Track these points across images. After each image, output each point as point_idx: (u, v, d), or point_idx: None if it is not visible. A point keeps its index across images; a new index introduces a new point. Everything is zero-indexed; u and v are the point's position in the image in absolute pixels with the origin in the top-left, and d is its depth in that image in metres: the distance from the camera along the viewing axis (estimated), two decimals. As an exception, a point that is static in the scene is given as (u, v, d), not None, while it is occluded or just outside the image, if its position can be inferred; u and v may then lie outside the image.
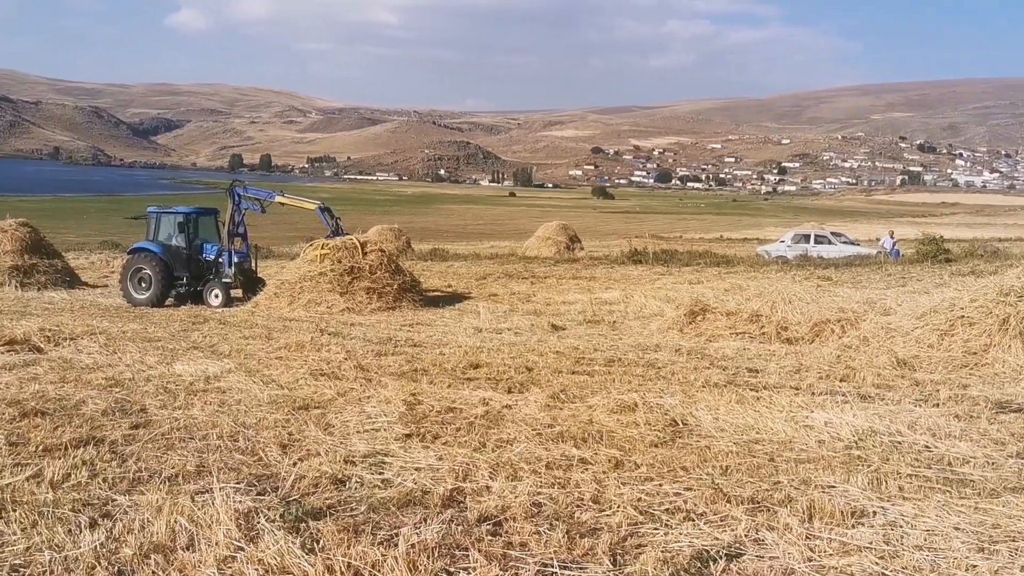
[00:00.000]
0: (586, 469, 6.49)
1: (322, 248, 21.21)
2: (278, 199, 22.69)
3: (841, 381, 10.39)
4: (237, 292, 22.06)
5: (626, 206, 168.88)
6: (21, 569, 4.73)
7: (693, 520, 5.44)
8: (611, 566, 4.76)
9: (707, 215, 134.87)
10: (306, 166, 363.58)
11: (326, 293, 20.01)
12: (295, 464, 6.54)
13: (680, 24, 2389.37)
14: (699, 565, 4.74)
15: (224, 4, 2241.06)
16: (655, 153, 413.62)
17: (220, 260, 22.14)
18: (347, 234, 21.90)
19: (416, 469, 6.41)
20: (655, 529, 5.32)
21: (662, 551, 4.91)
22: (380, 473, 6.35)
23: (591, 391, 9.36)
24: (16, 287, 24.10)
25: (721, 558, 4.81)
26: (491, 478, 6.20)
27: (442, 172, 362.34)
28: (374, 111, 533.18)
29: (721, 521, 5.40)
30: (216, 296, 21.58)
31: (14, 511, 5.46)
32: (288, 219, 42.89)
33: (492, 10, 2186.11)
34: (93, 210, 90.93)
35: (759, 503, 5.74)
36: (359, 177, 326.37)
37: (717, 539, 5.10)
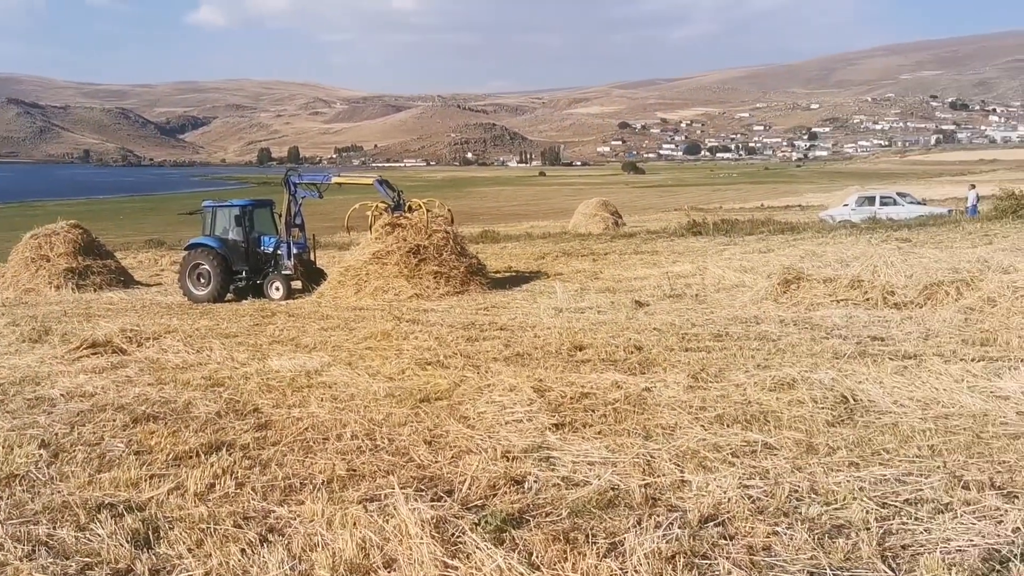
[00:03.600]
0: (774, 454, 5.87)
1: (375, 210, 20.80)
2: (334, 179, 22.22)
3: (982, 346, 9.64)
4: (297, 284, 21.59)
5: (658, 180, 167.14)
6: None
7: (949, 512, 4.78)
8: (889, 572, 4.12)
9: (741, 184, 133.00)
10: (334, 156, 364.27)
11: (393, 279, 19.44)
12: (453, 463, 5.97)
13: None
14: (996, 567, 4.08)
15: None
16: (683, 125, 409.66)
17: (279, 252, 21.67)
18: (407, 204, 21.18)
19: (590, 464, 5.81)
20: (910, 524, 4.68)
21: (941, 552, 4.25)
22: (553, 469, 5.77)
23: (726, 368, 8.71)
24: (73, 289, 23.89)
25: (1016, 558, 4.15)
26: (680, 470, 5.59)
27: (469, 155, 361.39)
28: (398, 98, 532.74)
29: (983, 512, 4.73)
30: (277, 289, 21.13)
31: (171, 529, 4.95)
32: (324, 210, 42.45)
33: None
34: (128, 210, 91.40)
35: (1003, 488, 5.06)
36: (387, 164, 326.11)
37: (999, 535, 4.43)
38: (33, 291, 23.44)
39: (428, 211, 20.96)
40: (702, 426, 6.62)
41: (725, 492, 5.13)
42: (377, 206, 21.05)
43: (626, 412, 7.20)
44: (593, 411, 7.29)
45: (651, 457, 5.87)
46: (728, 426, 6.62)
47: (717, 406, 7.22)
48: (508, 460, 5.98)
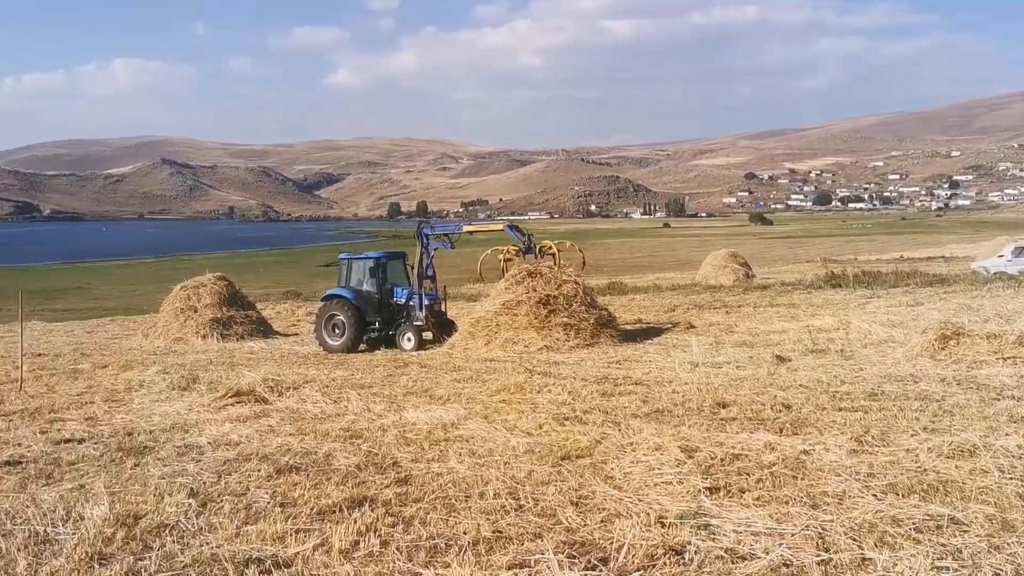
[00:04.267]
0: (965, 531, 5.30)
1: (506, 253, 21.07)
2: (466, 229, 22.55)
3: None
4: (428, 335, 21.75)
5: (787, 231, 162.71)
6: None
7: None
8: None
9: (876, 235, 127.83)
10: (460, 210, 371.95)
11: (522, 331, 19.32)
12: (603, 526, 5.66)
13: (832, 42, 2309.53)
14: None
15: (378, 61, 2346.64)
16: (812, 175, 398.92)
17: (411, 304, 21.93)
18: (538, 247, 21.23)
19: (755, 534, 5.40)
20: None
21: None
22: (714, 539, 5.38)
23: (890, 431, 8.08)
24: (218, 338, 24.82)
25: None
26: (858, 546, 5.11)
27: (593, 207, 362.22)
28: (523, 152, 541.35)
29: None
30: (409, 340, 21.34)
31: (321, 589, 4.84)
32: (453, 261, 43.08)
33: (632, 44, 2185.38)
34: (268, 263, 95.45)
35: None
36: (511, 217, 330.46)
37: None
38: (181, 340, 24.49)
39: (559, 251, 21.01)
40: (874, 495, 6.08)
41: (917, 574, 4.62)
42: (508, 249, 21.22)
43: (784, 477, 6.72)
44: (748, 475, 6.85)
45: (823, 529, 5.40)
46: (904, 496, 6.06)
47: (887, 473, 6.65)
48: (663, 526, 5.62)
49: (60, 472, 8.43)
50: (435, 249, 22.35)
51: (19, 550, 5.94)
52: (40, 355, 21.14)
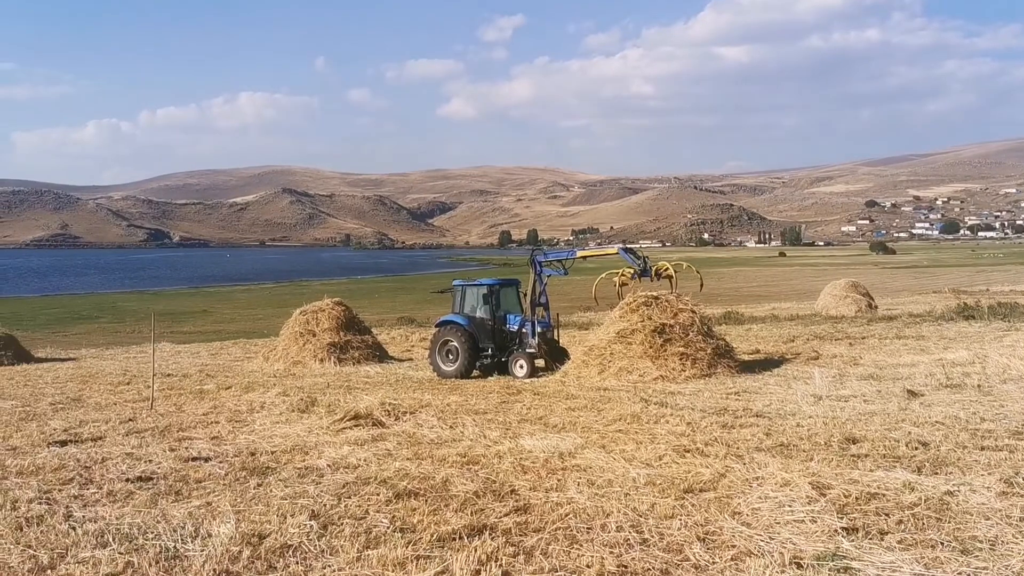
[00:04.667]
0: None
1: (621, 275, 20.77)
2: (579, 254, 22.44)
3: None
4: (540, 362, 21.65)
5: (911, 260, 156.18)
6: None
7: None
8: None
9: (1009, 265, 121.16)
10: (571, 238, 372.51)
11: (637, 360, 19.00)
12: (734, 564, 5.39)
13: (959, 64, 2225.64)
14: None
15: (490, 91, 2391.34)
16: (938, 203, 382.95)
17: (524, 331, 21.87)
18: (654, 268, 20.89)
19: (902, 581, 5.04)
20: None
21: None
22: (861, 585, 5.05)
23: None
24: (335, 362, 25.34)
25: None
26: (1021, 599, 4.71)
27: (705, 236, 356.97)
28: (634, 180, 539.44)
29: None
30: (521, 367, 21.24)
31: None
32: (564, 290, 42.92)
33: (747, 71, 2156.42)
34: (383, 289, 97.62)
35: None
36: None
37: None
38: (300, 363, 25.12)
39: (676, 273, 20.66)
40: (1031, 543, 5.61)
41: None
42: (624, 272, 20.96)
43: (928, 519, 6.29)
44: (887, 515, 6.43)
45: (978, 579, 5.01)
46: (1065, 545, 5.57)
47: (1044, 520, 6.14)
48: (799, 567, 5.32)
49: (188, 489, 8.69)
50: (548, 276, 22.29)
51: (150, 565, 6.10)
52: (169, 375, 22.06)
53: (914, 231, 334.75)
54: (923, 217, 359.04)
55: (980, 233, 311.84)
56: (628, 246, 21.98)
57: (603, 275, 22.16)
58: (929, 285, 73.79)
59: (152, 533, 6.89)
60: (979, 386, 15.21)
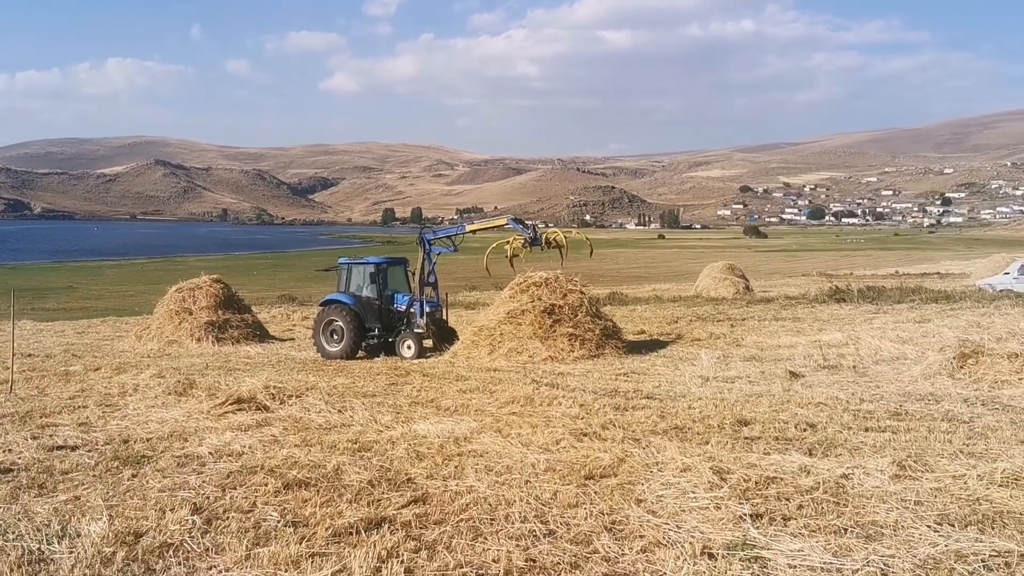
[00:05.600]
0: (1038, 570, 4.92)
1: (512, 242, 20.66)
2: (468, 228, 22.20)
3: None
4: (428, 343, 21.33)
5: (782, 244, 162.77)
6: None
7: None
8: None
9: (870, 251, 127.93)
10: (455, 217, 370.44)
11: (527, 340, 18.94)
12: (645, 556, 5.26)
13: (827, 57, 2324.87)
14: None
15: (374, 66, 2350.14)
16: (806, 190, 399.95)
17: (412, 310, 21.50)
18: (544, 236, 20.88)
19: (812, 569, 5.01)
20: None
21: None
22: (770, 574, 4.98)
23: (925, 454, 7.71)
24: (213, 341, 24.32)
25: None
26: (931, 585, 4.73)
27: (587, 217, 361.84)
28: (519, 161, 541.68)
29: None
30: (409, 347, 20.86)
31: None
32: (451, 268, 42.61)
33: (629, 55, 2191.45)
34: (262, 266, 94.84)
35: None
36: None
37: None
38: (176, 343, 24.00)
39: (566, 238, 20.75)
40: (928, 527, 5.70)
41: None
42: (515, 238, 20.81)
43: (827, 503, 6.35)
44: (788, 500, 6.47)
45: (886, 565, 5.02)
46: (961, 528, 5.69)
47: (936, 502, 6.28)
48: (711, 558, 5.24)
49: (54, 482, 7.99)
50: (438, 254, 21.96)
51: (11, 570, 5.52)
52: (30, 355, 20.66)
53: (784, 216, 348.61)
54: (792, 203, 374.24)
55: (844, 220, 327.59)
56: (517, 217, 21.82)
57: (494, 244, 21.95)
58: (799, 268, 77.04)
59: (13, 533, 6.25)
60: (855, 367, 15.80)
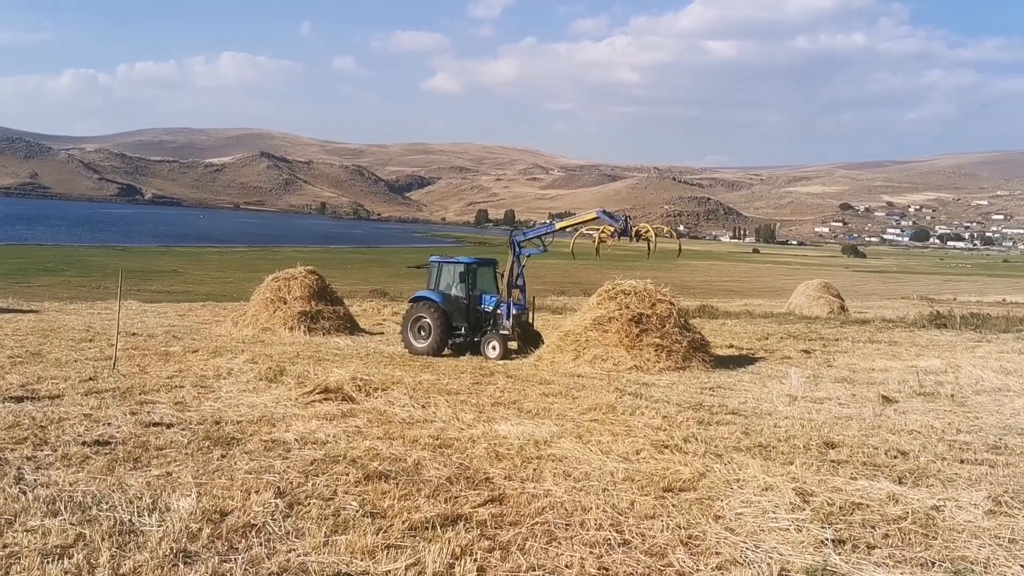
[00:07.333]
0: None
1: (601, 232, 20.68)
2: (559, 225, 22.21)
3: None
4: (513, 345, 21.41)
5: (881, 265, 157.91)
6: None
7: None
8: None
9: (977, 276, 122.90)
10: (547, 221, 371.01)
11: (612, 348, 18.81)
12: (719, 573, 5.17)
13: (941, 74, 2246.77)
14: None
15: (476, 68, 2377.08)
16: (911, 210, 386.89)
17: (498, 311, 21.61)
18: (635, 229, 20.76)
19: (895, 601, 4.85)
20: None
21: None
22: (850, 604, 4.86)
23: (1025, 491, 7.36)
24: (305, 332, 24.88)
25: None
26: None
27: (681, 228, 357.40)
28: (614, 168, 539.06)
29: None
30: (494, 348, 20.98)
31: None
32: (536, 273, 42.67)
33: (732, 66, 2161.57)
34: (356, 260, 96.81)
35: None
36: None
37: None
38: (269, 330, 24.65)
39: (656, 235, 20.64)
40: (1021, 566, 5.45)
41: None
42: (604, 229, 20.77)
43: (915, 534, 6.12)
44: (873, 528, 6.27)
45: (973, 604, 4.83)
46: (1057, 570, 5.42)
47: (1031, 540, 5.99)
48: (786, 581, 5.12)
49: (148, 457, 8.34)
50: (527, 256, 22.03)
51: (103, 539, 5.77)
52: (134, 334, 21.55)
53: (885, 236, 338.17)
54: (895, 223, 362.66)
55: (949, 243, 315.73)
56: (606, 210, 21.76)
57: (582, 228, 21.95)
58: (898, 291, 74.57)
59: (107, 504, 6.54)
60: (952, 396, 15.18)
